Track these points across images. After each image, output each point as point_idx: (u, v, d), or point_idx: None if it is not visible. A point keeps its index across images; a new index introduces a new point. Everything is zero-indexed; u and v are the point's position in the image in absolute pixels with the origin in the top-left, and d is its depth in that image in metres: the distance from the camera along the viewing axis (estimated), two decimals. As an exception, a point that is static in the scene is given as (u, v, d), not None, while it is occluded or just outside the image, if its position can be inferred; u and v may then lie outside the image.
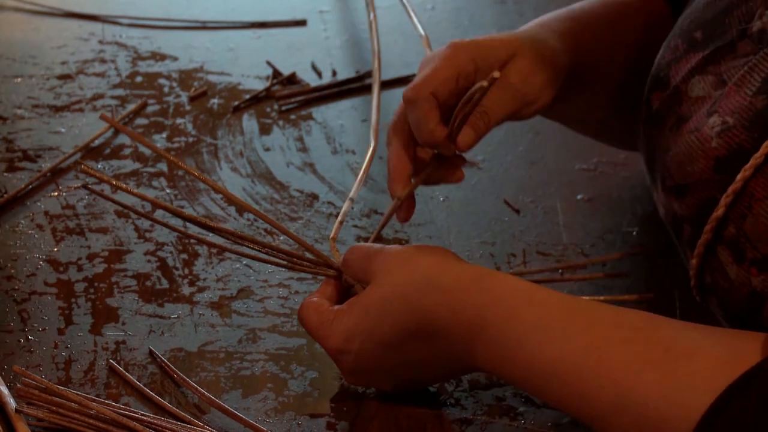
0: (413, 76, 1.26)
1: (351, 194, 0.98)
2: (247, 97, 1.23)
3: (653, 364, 0.72)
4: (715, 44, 0.85)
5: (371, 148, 1.02)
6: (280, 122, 1.20)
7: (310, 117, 1.21)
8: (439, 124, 0.89)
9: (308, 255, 0.89)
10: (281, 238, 1.04)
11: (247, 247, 0.87)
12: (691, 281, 0.85)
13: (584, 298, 0.80)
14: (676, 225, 0.86)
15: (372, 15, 1.26)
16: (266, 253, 0.87)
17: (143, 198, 0.87)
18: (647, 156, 0.90)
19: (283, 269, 0.99)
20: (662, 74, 0.89)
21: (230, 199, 0.87)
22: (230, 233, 0.86)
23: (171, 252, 1.02)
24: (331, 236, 0.94)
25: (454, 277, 0.80)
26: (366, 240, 1.01)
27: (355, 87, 1.25)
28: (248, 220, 1.06)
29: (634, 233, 1.06)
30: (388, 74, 1.28)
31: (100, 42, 1.32)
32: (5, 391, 0.85)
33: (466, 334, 0.79)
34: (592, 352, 0.75)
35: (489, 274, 0.81)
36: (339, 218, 0.96)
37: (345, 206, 0.97)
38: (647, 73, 0.94)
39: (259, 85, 1.26)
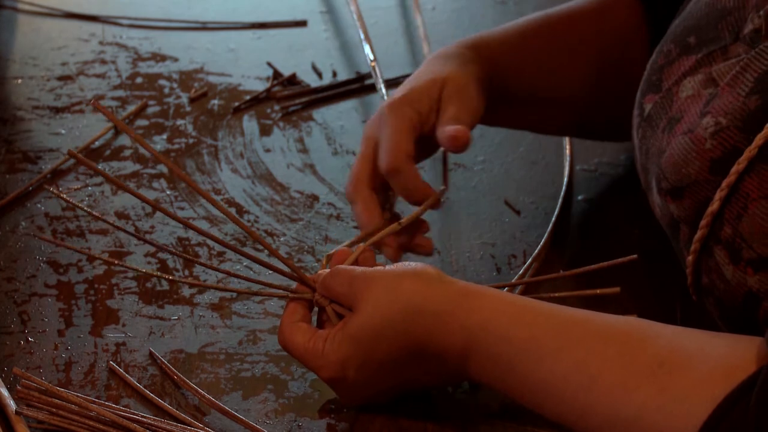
0: (408, 76, 1.26)
1: None
2: (248, 98, 1.23)
3: (648, 378, 0.72)
4: (709, 48, 0.85)
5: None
6: (281, 123, 1.20)
7: (310, 118, 1.21)
8: (423, 183, 0.95)
9: (284, 268, 0.89)
10: (282, 238, 1.04)
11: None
12: (688, 279, 0.85)
13: (574, 309, 0.79)
14: (673, 226, 0.86)
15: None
16: (254, 260, 0.89)
17: (142, 198, 0.87)
18: (641, 159, 0.90)
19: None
20: (654, 78, 0.89)
21: (219, 208, 0.87)
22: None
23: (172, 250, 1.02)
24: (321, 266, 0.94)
25: (440, 301, 0.80)
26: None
27: (355, 88, 1.25)
28: (248, 221, 1.06)
29: (635, 233, 1.06)
30: (389, 74, 1.28)
31: (101, 43, 1.32)
32: (5, 393, 0.85)
33: (459, 356, 0.80)
34: (585, 369, 0.75)
35: (475, 293, 0.81)
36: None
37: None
38: (611, 79, 1.02)
39: (260, 86, 1.26)
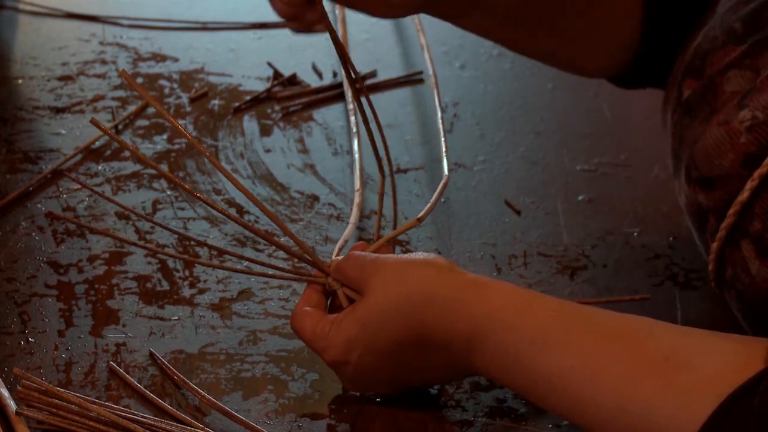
0: (414, 75, 1.27)
1: (352, 219, 0.99)
2: (248, 98, 1.23)
3: (653, 373, 0.72)
4: (754, 38, 0.83)
5: (358, 194, 1.03)
6: (281, 123, 1.20)
7: (310, 118, 1.21)
8: None
9: (300, 254, 0.89)
10: (282, 239, 1.04)
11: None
12: (709, 266, 0.84)
13: (581, 304, 0.79)
14: (700, 216, 0.85)
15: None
16: (253, 262, 0.90)
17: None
18: (673, 144, 0.89)
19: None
20: (698, 62, 0.87)
21: (239, 188, 0.87)
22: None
23: (172, 253, 1.02)
24: (337, 246, 0.94)
25: (449, 289, 0.80)
26: (368, 241, 1.01)
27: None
28: (249, 222, 1.06)
29: (635, 234, 1.06)
30: (388, 74, 1.28)
31: (101, 43, 1.32)
32: (5, 393, 0.85)
33: (464, 345, 0.80)
34: (590, 363, 0.74)
35: (484, 284, 0.80)
36: (343, 236, 0.96)
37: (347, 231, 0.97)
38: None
39: (260, 86, 1.26)
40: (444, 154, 1.04)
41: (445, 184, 0.98)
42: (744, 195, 0.79)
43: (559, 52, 1.01)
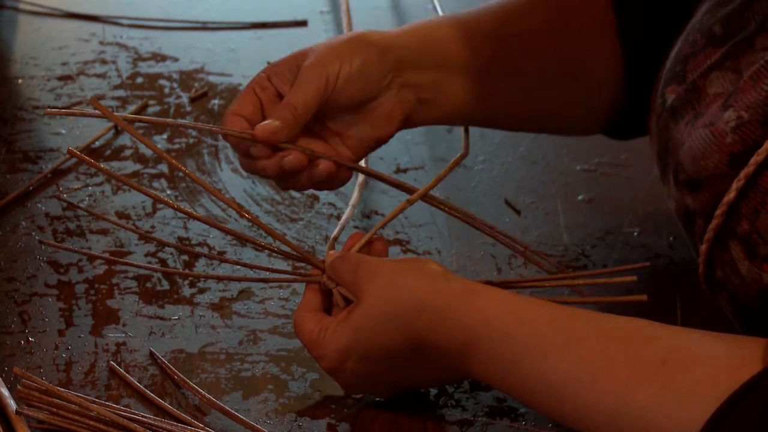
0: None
1: (352, 201, 0.98)
2: (248, 97, 1.23)
3: (651, 376, 0.72)
4: (734, 39, 0.83)
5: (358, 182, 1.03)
6: (281, 123, 1.20)
7: (310, 118, 1.21)
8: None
9: (291, 251, 0.89)
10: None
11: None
12: (699, 268, 0.85)
13: (577, 308, 0.79)
14: (688, 219, 0.85)
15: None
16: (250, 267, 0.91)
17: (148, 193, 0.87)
18: (660, 149, 0.89)
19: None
20: (678, 68, 0.87)
21: (226, 203, 0.87)
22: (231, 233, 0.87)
23: (172, 253, 1.02)
24: (332, 236, 0.94)
25: (443, 297, 0.80)
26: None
27: (355, 88, 1.25)
28: (249, 222, 1.06)
29: (635, 234, 1.06)
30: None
31: (101, 43, 1.32)
32: (6, 392, 0.85)
33: (460, 352, 0.80)
34: (587, 368, 0.74)
35: (479, 291, 0.80)
36: (341, 222, 0.96)
37: (347, 213, 0.97)
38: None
39: (260, 86, 1.25)
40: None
41: (459, 159, 0.97)
42: (730, 195, 0.79)
43: (539, 116, 1.01)
